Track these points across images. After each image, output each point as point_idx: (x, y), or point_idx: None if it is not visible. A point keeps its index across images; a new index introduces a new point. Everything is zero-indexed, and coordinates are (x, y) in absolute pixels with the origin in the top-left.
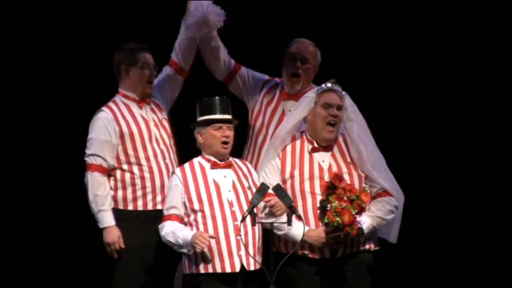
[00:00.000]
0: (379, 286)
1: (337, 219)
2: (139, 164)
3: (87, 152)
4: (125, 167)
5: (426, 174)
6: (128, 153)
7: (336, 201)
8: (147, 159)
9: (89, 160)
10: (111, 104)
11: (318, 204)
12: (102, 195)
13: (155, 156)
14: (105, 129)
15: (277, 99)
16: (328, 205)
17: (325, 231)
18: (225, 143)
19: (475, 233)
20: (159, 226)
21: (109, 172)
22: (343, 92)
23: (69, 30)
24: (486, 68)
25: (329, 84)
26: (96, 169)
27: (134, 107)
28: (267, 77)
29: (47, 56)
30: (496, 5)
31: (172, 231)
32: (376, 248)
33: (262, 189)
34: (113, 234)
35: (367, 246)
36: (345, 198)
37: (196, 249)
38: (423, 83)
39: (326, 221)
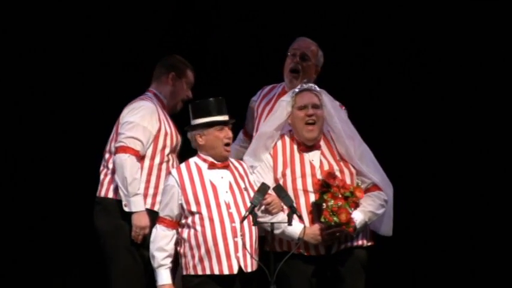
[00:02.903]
0: (374, 282)
1: (334, 218)
2: (160, 164)
3: (127, 133)
4: (147, 161)
5: (416, 167)
6: (156, 149)
7: (332, 200)
8: (168, 162)
9: (128, 143)
10: (149, 99)
11: (311, 202)
12: (139, 179)
13: (173, 161)
14: (149, 118)
15: (275, 99)
16: (324, 204)
17: (320, 229)
18: (227, 144)
19: (470, 227)
20: (154, 228)
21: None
22: (319, 90)
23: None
24: (474, 63)
25: (303, 85)
26: (134, 153)
27: (165, 111)
28: (258, 92)
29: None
30: (493, 5)
31: (156, 258)
32: (370, 244)
33: (263, 189)
34: (147, 219)
35: (360, 242)
36: (340, 196)
37: None
38: (412, 75)
39: (323, 220)
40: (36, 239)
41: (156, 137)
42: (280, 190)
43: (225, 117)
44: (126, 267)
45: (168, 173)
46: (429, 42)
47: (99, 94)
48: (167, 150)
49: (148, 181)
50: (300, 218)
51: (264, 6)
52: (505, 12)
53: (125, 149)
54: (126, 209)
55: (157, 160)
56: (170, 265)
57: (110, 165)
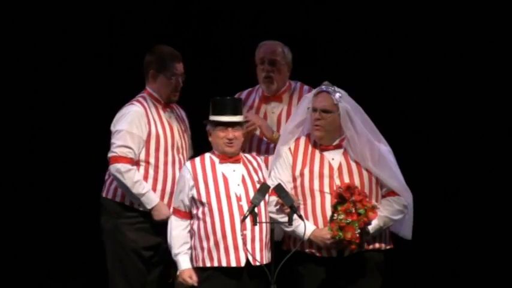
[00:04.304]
0: (393, 285)
1: (340, 233)
2: (156, 166)
3: (117, 142)
4: (142, 164)
5: (437, 171)
6: (149, 152)
7: (343, 215)
8: (165, 163)
9: (119, 152)
10: (141, 100)
11: (328, 203)
12: (140, 179)
13: (173, 163)
14: (137, 123)
15: (257, 104)
16: (335, 214)
17: (329, 233)
18: (229, 144)
19: (489, 231)
20: (169, 221)
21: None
22: (338, 93)
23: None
24: (488, 63)
25: (322, 87)
26: (127, 161)
27: (160, 110)
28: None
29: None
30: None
31: (173, 246)
32: (388, 247)
33: (263, 189)
34: (166, 209)
35: (377, 245)
36: (353, 211)
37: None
38: (432, 79)
39: (329, 230)
40: (38, 240)
41: (147, 141)
42: (280, 190)
43: (231, 118)
44: (123, 266)
45: (183, 164)
46: (453, 47)
47: (105, 93)
48: (161, 152)
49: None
50: (301, 217)
51: (264, 4)
52: None
53: (116, 159)
54: (141, 209)
55: (152, 163)
56: (188, 251)
57: None
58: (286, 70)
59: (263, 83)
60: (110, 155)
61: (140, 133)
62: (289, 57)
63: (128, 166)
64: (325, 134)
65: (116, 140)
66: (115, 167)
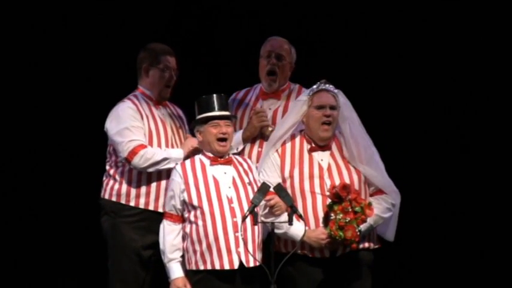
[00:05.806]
0: (381, 284)
1: (340, 233)
2: None
3: (126, 139)
4: None
5: (424, 171)
6: None
7: (341, 214)
8: None
9: (133, 145)
10: (132, 97)
11: (319, 204)
12: (167, 149)
13: None
14: (135, 116)
15: (254, 101)
16: (332, 214)
17: (324, 233)
18: (222, 140)
19: (475, 232)
20: (161, 224)
21: None
22: (336, 90)
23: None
24: (479, 64)
25: (321, 85)
26: (143, 147)
27: (152, 106)
28: (230, 99)
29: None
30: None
31: (166, 253)
32: (376, 246)
33: (263, 189)
34: (193, 141)
35: (366, 245)
36: (350, 210)
37: None
38: (419, 81)
39: (328, 231)
40: (37, 240)
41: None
42: (280, 190)
43: (222, 113)
44: (119, 265)
45: (173, 167)
46: (447, 50)
47: (105, 94)
48: (154, 147)
49: (139, 180)
50: (301, 217)
51: (264, 3)
52: None
53: (133, 152)
54: (142, 206)
55: None
56: (180, 259)
57: (107, 167)
58: (289, 69)
59: (265, 80)
60: (124, 154)
61: (140, 124)
62: (294, 57)
63: (145, 149)
64: (331, 134)
65: (123, 138)
66: (138, 157)
